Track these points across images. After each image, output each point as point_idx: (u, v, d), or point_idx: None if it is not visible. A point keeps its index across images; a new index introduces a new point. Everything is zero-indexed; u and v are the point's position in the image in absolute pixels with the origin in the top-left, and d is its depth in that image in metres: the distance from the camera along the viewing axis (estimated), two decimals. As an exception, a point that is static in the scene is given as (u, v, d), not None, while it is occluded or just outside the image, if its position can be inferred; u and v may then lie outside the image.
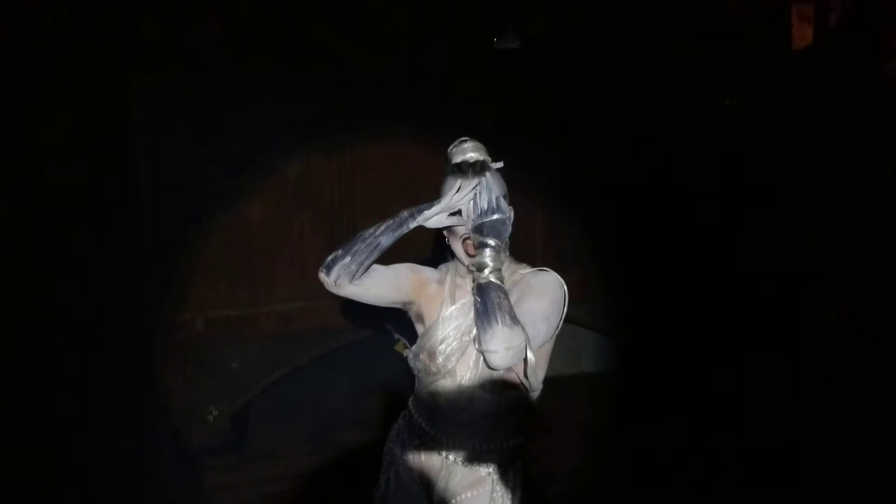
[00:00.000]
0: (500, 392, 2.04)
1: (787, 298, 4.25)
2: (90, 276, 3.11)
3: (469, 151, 1.96)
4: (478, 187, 1.89)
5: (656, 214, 4.34)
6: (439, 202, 1.91)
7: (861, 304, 3.97)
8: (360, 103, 3.95)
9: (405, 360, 2.19)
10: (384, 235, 1.91)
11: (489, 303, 1.79)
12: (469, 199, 1.90)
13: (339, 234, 3.98)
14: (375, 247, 1.91)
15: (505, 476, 2.13)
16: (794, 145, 4.22)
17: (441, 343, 2.05)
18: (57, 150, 2.94)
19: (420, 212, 1.92)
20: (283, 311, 4.00)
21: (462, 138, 2.00)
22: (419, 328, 2.15)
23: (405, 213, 1.92)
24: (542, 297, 1.95)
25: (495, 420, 2.07)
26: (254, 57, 4.03)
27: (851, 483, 3.36)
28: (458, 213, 1.94)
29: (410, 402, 2.21)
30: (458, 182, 1.90)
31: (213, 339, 3.93)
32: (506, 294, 1.82)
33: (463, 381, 2.05)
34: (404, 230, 1.93)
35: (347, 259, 1.90)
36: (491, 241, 1.84)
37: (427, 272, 2.15)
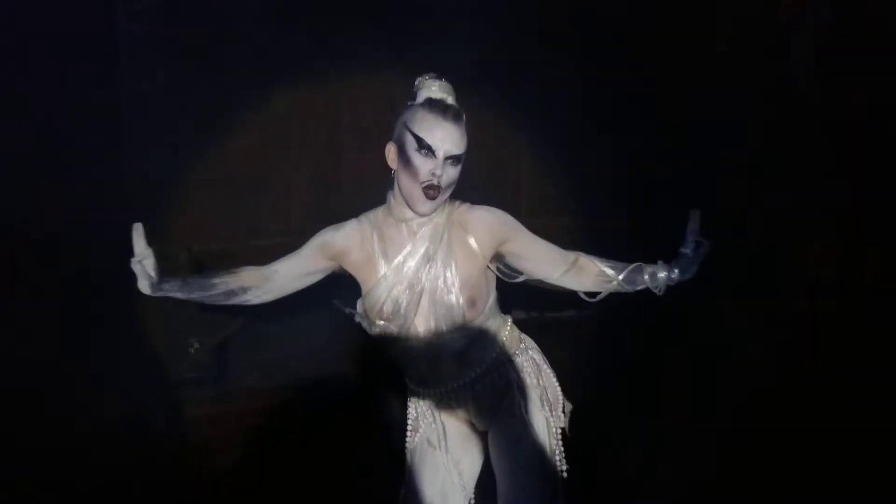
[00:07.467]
0: (464, 325, 2.04)
1: (769, 245, 4.28)
2: (71, 207, 3.08)
3: (443, 91, 1.93)
4: None
5: (644, 158, 4.31)
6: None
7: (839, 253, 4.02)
8: (347, 38, 3.87)
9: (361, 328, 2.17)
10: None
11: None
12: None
13: (324, 170, 3.95)
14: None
15: (520, 372, 2.19)
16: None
17: (390, 302, 2.02)
18: (34, 82, 2.87)
19: None
20: (267, 246, 3.97)
21: (432, 74, 1.96)
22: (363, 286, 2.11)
23: None
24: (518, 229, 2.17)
25: (474, 342, 2.08)
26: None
27: (823, 414, 3.45)
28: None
29: (407, 380, 2.22)
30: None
31: (196, 272, 3.91)
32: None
33: (427, 333, 2.04)
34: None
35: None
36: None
37: (339, 241, 2.09)
